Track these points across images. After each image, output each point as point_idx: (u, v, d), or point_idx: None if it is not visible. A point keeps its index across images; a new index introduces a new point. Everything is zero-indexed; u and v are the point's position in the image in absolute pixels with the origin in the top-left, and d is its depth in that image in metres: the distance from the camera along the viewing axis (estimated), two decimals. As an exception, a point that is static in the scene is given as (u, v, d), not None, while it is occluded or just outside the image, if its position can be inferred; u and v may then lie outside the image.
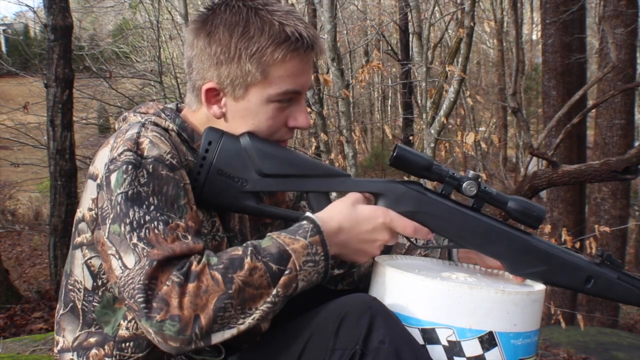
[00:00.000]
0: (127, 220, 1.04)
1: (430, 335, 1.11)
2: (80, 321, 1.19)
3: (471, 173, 1.23)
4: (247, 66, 1.16)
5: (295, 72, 1.18)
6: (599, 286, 1.24)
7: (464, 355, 1.11)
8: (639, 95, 8.09)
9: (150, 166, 1.08)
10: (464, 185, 1.21)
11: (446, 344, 1.11)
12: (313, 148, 5.78)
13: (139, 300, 0.99)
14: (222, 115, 1.22)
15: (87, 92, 9.34)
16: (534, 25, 15.21)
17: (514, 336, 1.13)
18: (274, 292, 1.04)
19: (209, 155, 1.20)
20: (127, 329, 1.16)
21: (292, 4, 4.93)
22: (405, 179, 1.35)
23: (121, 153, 1.09)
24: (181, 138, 1.22)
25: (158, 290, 0.99)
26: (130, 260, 1.02)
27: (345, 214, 1.16)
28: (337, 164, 4.78)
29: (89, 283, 1.18)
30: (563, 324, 4.15)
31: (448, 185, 1.22)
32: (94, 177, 1.15)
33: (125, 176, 1.06)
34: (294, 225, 1.12)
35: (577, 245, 4.17)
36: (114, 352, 1.16)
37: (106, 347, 1.16)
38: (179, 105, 1.30)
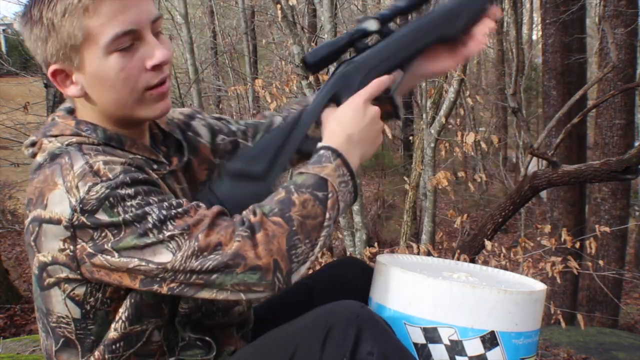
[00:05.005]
0: (148, 227, 1.01)
1: (432, 334, 1.11)
2: (79, 350, 1.14)
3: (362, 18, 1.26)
4: (63, 31, 1.07)
5: (115, 12, 1.07)
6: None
7: (465, 355, 1.11)
8: (639, 95, 8.09)
9: (127, 178, 1.03)
10: (364, 25, 1.24)
11: (448, 343, 1.11)
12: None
13: (210, 267, 1.01)
14: (83, 93, 1.13)
15: (87, 92, 9.30)
16: (534, 25, 15.20)
17: (516, 336, 1.13)
18: (327, 215, 1.08)
19: None
20: (115, 330, 1.12)
21: (292, 4, 4.92)
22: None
23: (88, 191, 1.01)
24: (111, 146, 1.13)
25: (228, 249, 1.01)
26: (166, 256, 1.01)
27: (354, 124, 1.18)
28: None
29: (76, 313, 1.12)
30: (563, 324, 4.14)
31: (358, 40, 1.25)
32: (54, 222, 1.04)
33: (115, 209, 1.01)
34: (314, 157, 1.14)
35: (577, 245, 4.17)
36: (106, 356, 1.12)
37: (96, 353, 1.12)
38: (70, 108, 1.20)
